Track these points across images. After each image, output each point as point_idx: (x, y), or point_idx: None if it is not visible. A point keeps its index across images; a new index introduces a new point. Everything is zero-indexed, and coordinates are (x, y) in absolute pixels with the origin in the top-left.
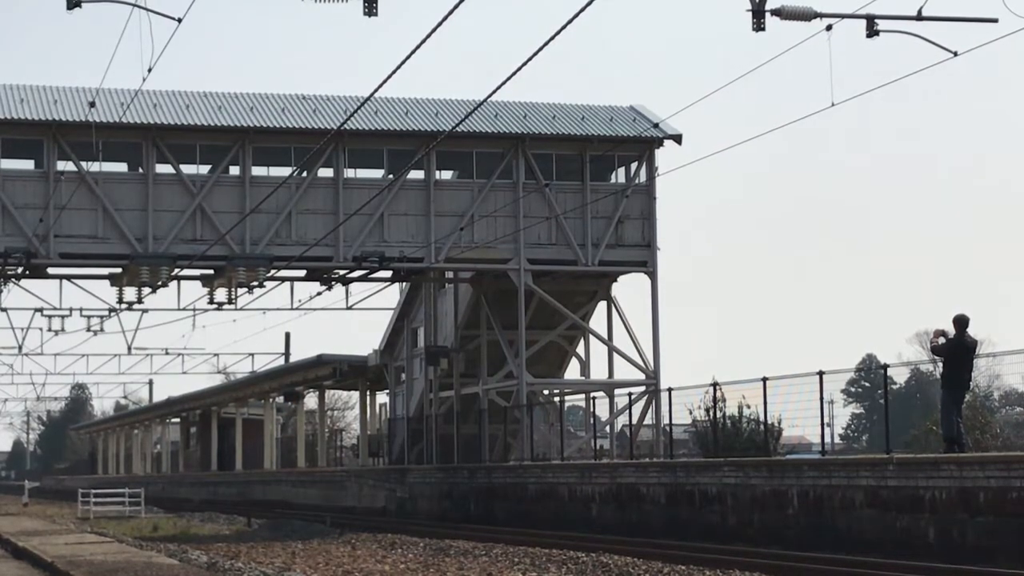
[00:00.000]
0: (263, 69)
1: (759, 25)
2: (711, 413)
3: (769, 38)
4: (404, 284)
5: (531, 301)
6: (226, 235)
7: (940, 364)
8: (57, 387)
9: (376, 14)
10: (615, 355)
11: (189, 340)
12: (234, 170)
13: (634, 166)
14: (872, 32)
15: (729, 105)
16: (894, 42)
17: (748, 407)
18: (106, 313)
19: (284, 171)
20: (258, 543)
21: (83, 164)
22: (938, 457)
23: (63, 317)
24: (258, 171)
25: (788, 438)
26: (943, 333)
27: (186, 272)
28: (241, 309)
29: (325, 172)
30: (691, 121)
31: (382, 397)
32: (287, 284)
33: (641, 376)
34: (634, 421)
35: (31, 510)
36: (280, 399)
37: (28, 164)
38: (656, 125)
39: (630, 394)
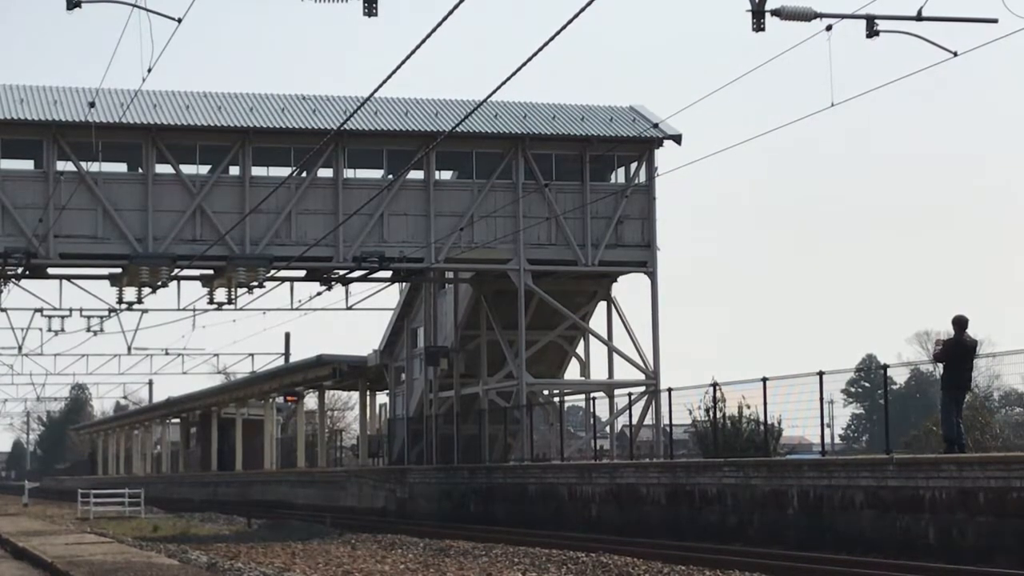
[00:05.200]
0: (263, 69)
1: (759, 25)
2: (711, 413)
3: (769, 38)
4: (404, 284)
5: (531, 301)
6: (226, 235)
7: (940, 365)
8: (57, 387)
9: (376, 14)
10: (615, 355)
11: (189, 340)
12: (234, 170)
13: (634, 166)
14: (872, 32)
15: (729, 105)
16: (894, 42)
17: (748, 407)
18: (106, 313)
19: (284, 171)
20: (258, 543)
21: (83, 164)
22: (938, 457)
23: (63, 317)
24: (258, 171)
25: (788, 438)
26: (943, 341)
27: (186, 272)
28: (241, 309)
29: (325, 172)
30: (691, 121)
31: (382, 397)
32: (287, 284)
33: (641, 376)
34: (634, 421)
35: (31, 510)
36: (280, 399)
37: (28, 164)
38: (656, 125)
39: (630, 394)
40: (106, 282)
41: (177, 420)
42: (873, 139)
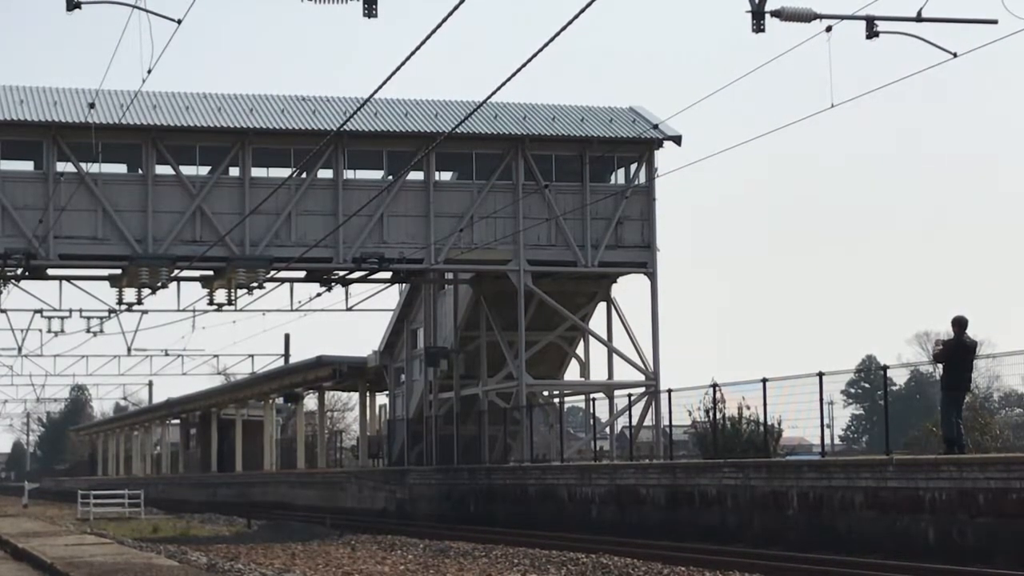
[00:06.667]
0: (263, 70)
1: (759, 26)
2: (711, 414)
3: (769, 39)
4: (404, 285)
5: (531, 302)
6: (226, 236)
7: (940, 366)
8: (57, 388)
9: (376, 15)
10: (615, 356)
11: (189, 341)
12: (234, 171)
13: (633, 167)
14: (872, 33)
15: (729, 106)
16: (894, 43)
17: (748, 408)
18: (106, 314)
19: (284, 172)
20: (258, 544)
21: (83, 165)
22: (938, 458)
23: (63, 318)
24: (258, 172)
25: (788, 439)
26: (943, 342)
27: (186, 273)
28: (241, 310)
29: (325, 173)
30: (691, 122)
31: (382, 398)
32: (287, 285)
33: (641, 377)
34: (634, 422)
35: (31, 511)
36: (280, 400)
37: (28, 165)
38: (656, 126)
39: (630, 395)
40: (106, 283)
41: (177, 421)
42: (873, 140)
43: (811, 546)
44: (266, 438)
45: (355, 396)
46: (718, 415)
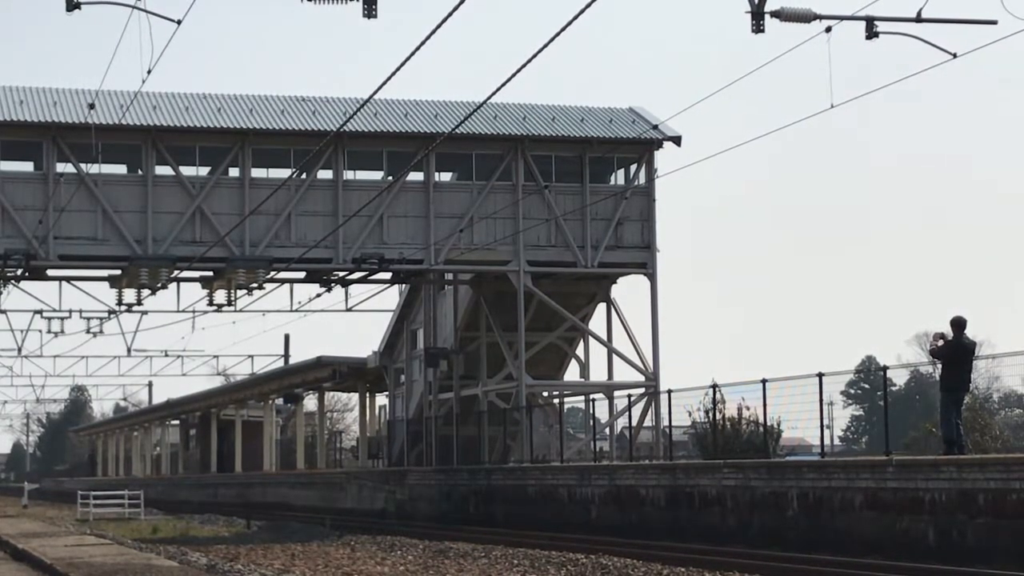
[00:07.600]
0: (263, 71)
1: (759, 27)
2: (711, 415)
3: (769, 40)
4: (404, 286)
5: (531, 303)
6: (225, 237)
7: (940, 366)
8: (56, 389)
9: (376, 16)
10: (614, 357)
11: (188, 342)
12: (233, 172)
13: (633, 168)
14: (871, 34)
15: (728, 107)
16: (893, 44)
17: (747, 409)
18: (105, 315)
19: (284, 173)
20: (257, 545)
21: (82, 166)
22: (938, 459)
23: (62, 319)
24: (257, 173)
25: (788, 440)
26: (942, 336)
27: (185, 274)
28: (241, 311)
29: (324, 174)
30: (690, 123)
31: (381, 399)
32: (287, 286)
33: (640, 378)
34: (633, 423)
35: (31, 512)
36: (279, 401)
37: (27, 166)
38: (655, 127)
39: (629, 396)
40: (106, 284)
41: (177, 422)
42: (872, 141)
43: (811, 546)
44: (266, 439)
45: (355, 397)
46: (718, 416)
